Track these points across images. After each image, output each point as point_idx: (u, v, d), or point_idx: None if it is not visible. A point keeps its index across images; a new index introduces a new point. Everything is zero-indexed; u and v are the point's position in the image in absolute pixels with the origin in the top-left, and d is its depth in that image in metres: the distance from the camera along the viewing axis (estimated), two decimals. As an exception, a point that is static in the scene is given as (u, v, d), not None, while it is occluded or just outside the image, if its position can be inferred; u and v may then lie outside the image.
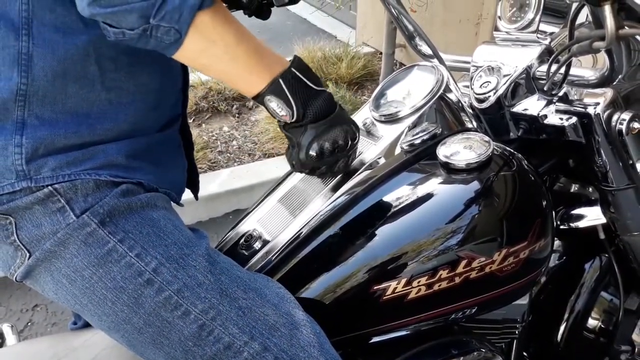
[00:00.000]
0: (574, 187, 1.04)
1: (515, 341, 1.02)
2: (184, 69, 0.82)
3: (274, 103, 0.68)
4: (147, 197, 0.70)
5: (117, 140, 0.68)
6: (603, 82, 0.76)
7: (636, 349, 1.13)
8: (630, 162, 0.85)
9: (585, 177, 0.95)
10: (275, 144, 2.51)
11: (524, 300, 0.98)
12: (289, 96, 0.68)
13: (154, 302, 0.65)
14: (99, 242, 0.65)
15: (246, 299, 0.67)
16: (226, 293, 0.67)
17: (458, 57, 1.01)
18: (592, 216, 0.99)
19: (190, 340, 0.66)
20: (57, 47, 0.63)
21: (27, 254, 0.65)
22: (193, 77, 3.08)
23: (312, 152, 0.71)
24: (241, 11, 0.94)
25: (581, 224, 1.00)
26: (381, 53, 3.09)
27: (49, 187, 0.64)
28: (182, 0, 0.57)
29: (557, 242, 1.18)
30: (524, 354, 1.17)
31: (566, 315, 1.11)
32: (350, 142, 0.72)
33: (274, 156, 2.50)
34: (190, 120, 2.83)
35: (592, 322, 1.13)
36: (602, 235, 1.01)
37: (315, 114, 0.70)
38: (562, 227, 1.08)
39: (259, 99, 0.69)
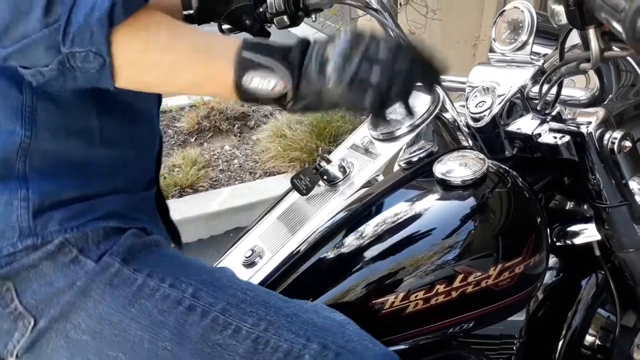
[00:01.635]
0: (569, 205, 1.06)
1: (513, 357, 1.03)
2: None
3: (256, 79, 0.55)
4: (155, 238, 0.69)
5: (115, 194, 0.67)
6: (594, 102, 0.78)
7: (632, 363, 1.14)
8: (623, 180, 0.87)
9: (580, 195, 0.97)
10: (276, 163, 2.54)
11: (520, 317, 0.99)
12: (265, 60, 0.55)
13: (201, 327, 0.61)
14: (126, 281, 0.62)
15: (289, 307, 0.65)
16: (270, 304, 0.64)
17: (454, 77, 1.04)
18: (587, 233, 1.01)
19: (247, 357, 0.62)
20: (60, 100, 0.61)
21: (32, 321, 0.61)
22: (195, 97, 3.13)
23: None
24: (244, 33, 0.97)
25: (577, 240, 1.02)
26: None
27: (59, 239, 0.61)
28: (85, 16, 0.49)
29: (554, 259, 1.20)
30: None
31: (563, 332, 1.12)
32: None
33: (274, 174, 2.53)
34: (192, 140, 2.86)
35: (589, 339, 1.14)
36: (597, 252, 1.03)
37: (305, 56, 0.55)
38: (558, 243, 1.10)
39: (240, 89, 0.56)
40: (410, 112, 0.58)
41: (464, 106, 0.96)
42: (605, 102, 0.93)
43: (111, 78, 0.53)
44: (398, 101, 0.56)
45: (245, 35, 0.75)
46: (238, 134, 2.86)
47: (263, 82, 0.56)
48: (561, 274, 1.17)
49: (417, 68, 0.55)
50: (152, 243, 0.67)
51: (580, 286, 1.13)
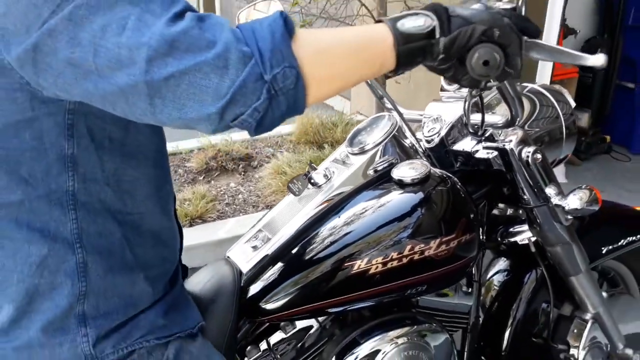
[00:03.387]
0: (510, 211, 1.33)
1: (468, 335, 1.26)
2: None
3: (408, 21, 0.66)
4: (184, 337, 0.82)
5: (152, 306, 0.80)
6: (508, 125, 1.05)
7: (570, 349, 1.35)
8: (540, 185, 1.13)
9: (514, 201, 1.23)
10: (277, 197, 2.81)
11: (469, 301, 1.23)
12: (410, 13, 0.67)
13: None
14: None
15: None
16: None
17: (416, 112, 1.32)
18: (524, 233, 1.26)
19: None
20: (103, 250, 0.73)
21: None
22: (203, 140, 3.44)
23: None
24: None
25: (517, 239, 1.27)
26: (372, 120, 3.45)
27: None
28: (270, 42, 0.57)
29: (503, 261, 1.45)
30: (482, 358, 1.40)
31: (509, 322, 1.34)
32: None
33: (275, 208, 2.80)
34: (200, 178, 3.15)
35: (531, 328, 1.36)
36: (532, 249, 1.27)
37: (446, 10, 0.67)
38: (503, 244, 1.36)
39: (397, 32, 0.65)
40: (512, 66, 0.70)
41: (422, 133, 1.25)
42: (525, 127, 1.21)
43: (304, 92, 0.60)
44: (517, 42, 0.70)
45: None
46: (242, 173, 3.15)
47: (415, 20, 0.66)
48: (509, 273, 1.42)
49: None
50: (184, 347, 0.80)
51: (523, 282, 1.37)
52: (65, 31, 0.56)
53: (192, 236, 2.48)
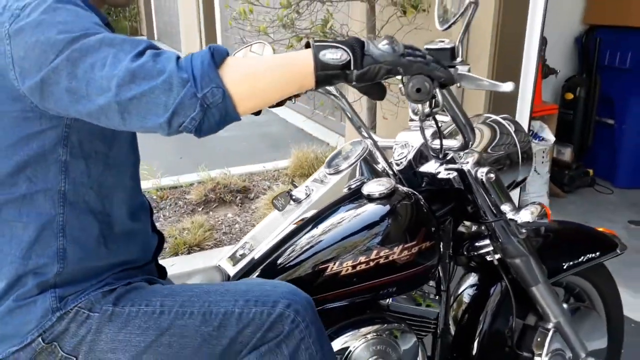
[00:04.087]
0: (474, 228, 1.47)
1: (439, 341, 1.38)
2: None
3: (328, 53, 0.80)
4: (136, 283, 1.00)
5: (115, 272, 1.00)
6: (462, 148, 1.20)
7: (535, 357, 1.46)
8: (496, 202, 1.27)
9: (476, 217, 1.37)
10: (271, 227, 2.95)
11: (436, 309, 1.35)
12: (330, 43, 0.81)
13: (170, 320, 0.95)
14: (120, 315, 0.94)
15: (224, 286, 1.01)
16: (210, 291, 0.99)
17: (389, 139, 1.48)
18: (488, 247, 1.40)
19: (201, 328, 0.95)
20: (81, 241, 0.94)
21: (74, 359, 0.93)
22: (203, 174, 3.61)
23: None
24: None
25: (481, 252, 1.40)
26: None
27: (74, 308, 0.93)
28: (200, 69, 0.75)
29: (473, 276, 1.57)
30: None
31: (478, 332, 1.46)
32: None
33: (270, 237, 2.93)
34: (199, 209, 3.29)
35: (499, 337, 1.47)
36: (495, 262, 1.40)
37: (360, 47, 0.82)
38: (472, 259, 1.49)
39: (318, 62, 0.80)
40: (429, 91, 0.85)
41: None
42: (488, 150, 1.37)
43: (233, 104, 0.78)
44: (433, 71, 0.85)
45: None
46: (240, 204, 3.31)
47: (334, 54, 0.80)
48: (478, 288, 1.54)
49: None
50: (131, 288, 0.98)
51: (489, 295, 1.49)
52: (65, 69, 0.78)
53: (190, 262, 2.61)
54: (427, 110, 0.97)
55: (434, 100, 1.00)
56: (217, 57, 0.78)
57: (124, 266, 1.01)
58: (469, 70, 0.95)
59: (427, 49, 0.95)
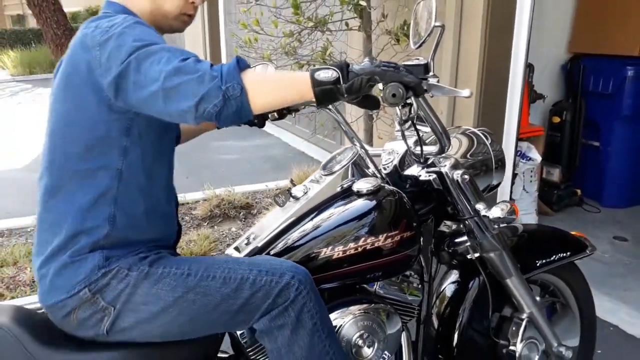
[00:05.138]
0: (454, 227, 1.64)
1: (422, 328, 1.54)
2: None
3: (322, 73, 1.02)
4: (164, 253, 1.20)
5: (150, 244, 1.20)
6: (439, 153, 1.39)
7: (510, 345, 1.62)
8: (470, 201, 1.45)
9: (455, 216, 1.54)
10: (273, 240, 3.12)
11: (419, 297, 1.51)
12: (323, 67, 1.04)
13: (194, 282, 1.13)
14: (153, 274, 1.13)
15: (241, 260, 1.21)
16: (228, 261, 1.19)
17: (378, 148, 1.67)
18: (466, 243, 1.57)
19: (222, 290, 1.13)
20: (128, 213, 1.15)
21: (112, 310, 1.12)
22: (208, 192, 3.79)
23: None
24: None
25: (459, 248, 1.57)
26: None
27: (117, 266, 1.13)
28: (227, 69, 0.99)
29: (455, 273, 1.73)
30: (440, 356, 1.66)
31: (458, 322, 1.62)
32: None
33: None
34: (205, 224, 3.47)
35: (477, 327, 1.63)
36: (473, 257, 1.56)
37: (347, 67, 1.04)
38: (454, 257, 1.64)
39: (314, 79, 1.02)
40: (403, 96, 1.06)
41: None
42: (467, 156, 1.55)
43: (247, 100, 0.99)
44: (403, 78, 1.05)
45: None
46: (243, 219, 3.48)
47: (326, 74, 1.03)
48: (459, 283, 1.70)
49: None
50: (163, 255, 1.19)
51: (468, 289, 1.65)
52: (133, 65, 1.03)
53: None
54: (405, 116, 1.17)
55: (411, 108, 1.19)
56: (242, 64, 1.02)
57: (156, 242, 1.21)
58: (438, 82, 1.15)
59: (404, 64, 1.15)
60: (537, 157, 3.49)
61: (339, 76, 1.03)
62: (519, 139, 3.29)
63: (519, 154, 3.51)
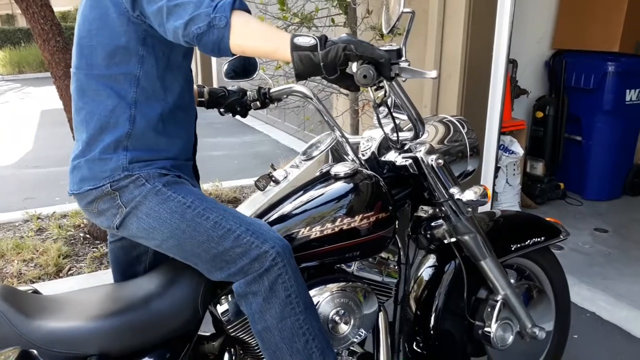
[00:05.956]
0: (430, 212, 1.69)
1: (398, 308, 1.59)
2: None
3: (301, 38, 1.11)
4: (182, 180, 1.32)
5: (169, 159, 1.32)
6: (414, 138, 1.44)
7: (485, 326, 1.67)
8: (445, 185, 1.50)
9: (431, 201, 1.59)
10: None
11: (395, 278, 1.56)
12: (304, 34, 1.13)
13: (191, 214, 1.24)
14: (164, 194, 1.25)
15: (237, 214, 1.29)
16: (227, 210, 1.28)
17: (357, 136, 1.72)
18: (443, 226, 1.62)
19: (209, 232, 1.23)
20: (146, 114, 1.27)
21: (124, 209, 1.26)
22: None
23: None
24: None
25: (435, 231, 1.62)
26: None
27: (137, 174, 1.26)
28: (222, 4, 1.09)
29: (432, 258, 1.78)
30: (418, 337, 1.71)
31: (435, 305, 1.67)
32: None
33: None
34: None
35: (454, 308, 1.68)
36: (449, 240, 1.62)
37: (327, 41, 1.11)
38: (432, 242, 1.69)
39: (293, 43, 1.10)
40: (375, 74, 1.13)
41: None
42: (444, 142, 1.61)
43: (228, 34, 1.09)
44: (375, 51, 1.11)
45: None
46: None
47: (305, 40, 1.11)
48: (435, 267, 1.75)
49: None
50: (179, 181, 1.31)
51: (444, 271, 1.70)
52: None
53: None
54: (378, 100, 1.22)
55: (384, 91, 1.24)
56: (238, 4, 1.12)
57: (175, 160, 1.33)
58: (409, 65, 1.20)
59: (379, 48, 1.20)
60: (519, 150, 3.55)
61: (317, 43, 1.10)
62: (501, 133, 3.36)
63: (502, 148, 3.57)
